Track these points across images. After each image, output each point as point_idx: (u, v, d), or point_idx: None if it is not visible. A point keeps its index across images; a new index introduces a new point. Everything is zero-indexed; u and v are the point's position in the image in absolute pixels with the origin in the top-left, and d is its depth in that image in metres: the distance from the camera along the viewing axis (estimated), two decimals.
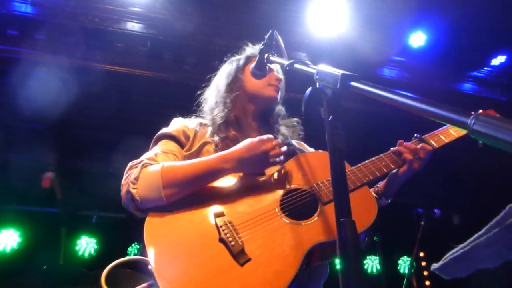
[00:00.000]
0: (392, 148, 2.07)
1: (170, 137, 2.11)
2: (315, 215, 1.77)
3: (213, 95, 2.34)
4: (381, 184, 2.12)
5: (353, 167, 1.96)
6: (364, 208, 1.79)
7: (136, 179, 1.78)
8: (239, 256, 1.61)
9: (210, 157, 1.84)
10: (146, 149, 2.15)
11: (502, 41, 5.91)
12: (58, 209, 7.38)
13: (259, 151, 1.82)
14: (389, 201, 2.10)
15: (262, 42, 1.96)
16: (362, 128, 5.67)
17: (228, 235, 1.67)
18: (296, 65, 1.58)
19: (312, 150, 2.36)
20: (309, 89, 1.31)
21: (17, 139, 6.29)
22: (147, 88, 5.92)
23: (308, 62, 1.53)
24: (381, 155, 2.04)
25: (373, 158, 2.02)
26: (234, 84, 2.28)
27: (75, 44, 5.35)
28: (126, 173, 1.86)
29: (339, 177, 1.12)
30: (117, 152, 5.58)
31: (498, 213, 0.84)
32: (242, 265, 1.59)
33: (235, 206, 1.81)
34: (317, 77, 1.32)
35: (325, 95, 1.25)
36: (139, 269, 1.76)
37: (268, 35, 1.94)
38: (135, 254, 7.31)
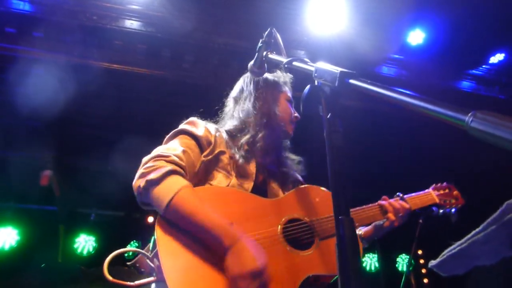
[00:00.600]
0: (379, 202, 2.28)
1: (194, 137, 2.07)
2: (312, 247, 1.88)
3: (245, 112, 2.27)
4: (364, 230, 2.33)
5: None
6: None
7: (155, 183, 1.77)
8: None
9: (220, 220, 1.73)
10: (144, 147, 2.14)
11: (500, 39, 5.91)
12: (57, 207, 7.38)
13: (251, 270, 1.59)
14: (366, 246, 2.35)
15: (260, 40, 1.96)
16: (360, 126, 5.67)
17: None
18: (294, 63, 1.58)
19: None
20: (308, 86, 1.32)
21: (15, 137, 6.28)
22: (146, 86, 5.91)
23: (306, 60, 1.53)
24: (370, 205, 2.24)
25: (363, 206, 2.21)
26: (268, 112, 2.24)
27: (73, 42, 5.34)
28: (148, 163, 1.85)
29: (337, 174, 1.12)
30: (116, 150, 5.59)
31: (496, 211, 0.84)
32: None
33: (245, 222, 1.84)
34: (315, 74, 1.32)
35: (324, 92, 1.26)
36: (136, 267, 1.79)
37: (266, 33, 1.94)
38: (133, 253, 7.30)
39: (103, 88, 5.45)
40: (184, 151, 1.96)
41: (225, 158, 2.08)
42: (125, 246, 7.40)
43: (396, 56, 6.18)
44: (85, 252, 7.43)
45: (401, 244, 8.63)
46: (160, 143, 2.17)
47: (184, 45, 5.63)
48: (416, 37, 5.80)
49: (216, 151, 2.09)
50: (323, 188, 2.17)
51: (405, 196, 2.39)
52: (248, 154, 2.14)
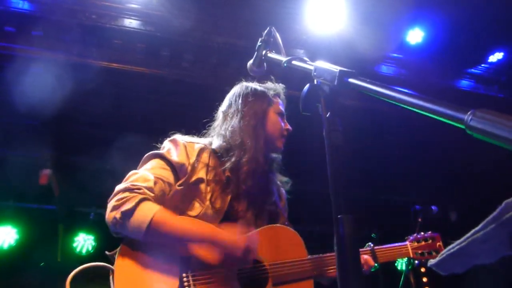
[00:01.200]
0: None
1: (169, 163, 2.05)
2: None
3: (228, 130, 2.20)
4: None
5: (309, 257, 2.14)
6: None
7: (128, 214, 1.82)
8: None
9: (195, 228, 1.90)
10: (143, 146, 2.14)
11: (499, 37, 5.92)
12: (56, 206, 7.37)
13: (236, 254, 1.88)
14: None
15: (260, 39, 1.96)
16: (359, 125, 5.68)
17: (186, 286, 1.83)
18: (294, 62, 1.58)
19: (284, 196, 2.47)
20: (307, 85, 1.31)
21: (15, 136, 6.28)
22: (145, 85, 5.91)
23: (306, 59, 1.53)
24: (327, 255, 2.19)
25: (326, 254, 2.18)
26: (260, 129, 2.18)
27: (72, 41, 5.33)
28: (119, 195, 1.88)
29: (336, 173, 1.12)
30: (115, 149, 5.58)
31: (495, 209, 0.84)
32: None
33: (202, 258, 1.87)
34: (314, 73, 1.32)
35: (323, 91, 1.26)
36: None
37: (266, 31, 1.94)
38: None
39: (102, 87, 5.45)
40: (155, 182, 1.95)
41: (202, 186, 2.05)
42: None
43: (395, 55, 6.18)
44: (84, 251, 7.42)
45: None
46: (159, 143, 2.18)
47: (183, 44, 5.62)
48: (415, 36, 5.80)
49: (193, 179, 2.05)
50: (291, 230, 2.19)
51: (376, 247, 2.38)
52: (227, 182, 2.09)
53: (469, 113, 0.74)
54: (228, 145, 2.14)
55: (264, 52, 1.93)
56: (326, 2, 5.20)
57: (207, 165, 2.09)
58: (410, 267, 5.16)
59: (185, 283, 1.82)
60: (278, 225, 2.20)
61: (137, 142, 3.70)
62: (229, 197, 2.08)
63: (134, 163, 2.09)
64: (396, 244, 2.54)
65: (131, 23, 5.35)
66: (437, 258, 0.93)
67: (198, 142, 2.18)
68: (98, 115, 5.97)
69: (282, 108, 2.31)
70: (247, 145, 2.11)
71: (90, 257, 7.36)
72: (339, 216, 1.05)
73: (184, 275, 1.84)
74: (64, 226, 7.45)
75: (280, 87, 2.38)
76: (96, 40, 5.43)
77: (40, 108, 5.18)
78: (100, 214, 7.69)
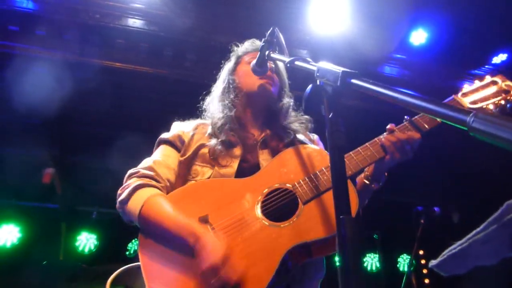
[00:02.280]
0: (381, 136, 1.97)
1: (167, 142, 2.18)
2: (295, 215, 1.77)
3: (213, 100, 2.35)
4: (368, 169, 2.02)
5: None
6: None
7: (124, 203, 1.89)
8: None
9: (183, 221, 1.76)
10: (146, 145, 2.17)
11: (503, 39, 5.90)
12: (58, 205, 7.39)
13: (212, 262, 1.61)
14: (380, 184, 2.01)
15: (263, 39, 1.96)
16: (361, 125, 5.67)
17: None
18: (297, 62, 1.59)
19: (315, 137, 2.38)
20: (310, 86, 1.32)
21: (18, 135, 6.30)
22: (148, 84, 5.92)
23: (309, 59, 1.53)
24: (366, 144, 1.95)
25: (358, 148, 1.94)
26: (229, 87, 2.28)
27: (76, 40, 5.35)
28: (125, 182, 1.98)
29: (339, 174, 1.12)
30: (118, 149, 5.59)
31: (497, 211, 0.84)
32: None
33: (219, 210, 1.83)
34: (317, 74, 1.32)
35: (326, 92, 1.26)
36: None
37: (269, 32, 1.94)
38: (135, 251, 7.33)
39: (105, 87, 5.46)
40: (155, 161, 2.05)
41: (205, 151, 2.08)
42: (126, 244, 7.43)
43: (399, 56, 6.17)
44: (86, 250, 7.44)
45: (402, 244, 8.63)
46: None
47: (186, 44, 5.64)
48: (419, 37, 5.79)
49: (194, 147, 2.10)
50: (307, 145, 2.06)
51: (416, 116, 1.96)
52: (231, 139, 2.11)
53: (471, 114, 0.74)
54: (217, 111, 2.23)
55: (267, 52, 1.93)
56: (329, 2, 5.19)
57: (209, 134, 2.16)
58: (412, 268, 5.15)
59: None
60: (291, 148, 2.03)
61: (140, 141, 3.72)
62: (238, 151, 2.09)
63: (137, 162, 2.11)
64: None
65: (134, 22, 5.36)
66: (439, 259, 0.93)
67: (196, 120, 2.33)
68: (101, 114, 5.98)
69: (252, 56, 2.27)
70: (230, 102, 2.21)
71: (92, 256, 7.38)
72: (341, 217, 1.05)
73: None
74: (66, 225, 7.47)
75: (250, 41, 2.44)
76: (99, 40, 5.44)
77: (43, 107, 5.19)
78: (102, 213, 7.71)
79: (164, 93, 5.98)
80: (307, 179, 1.86)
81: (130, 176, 1.99)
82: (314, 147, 2.06)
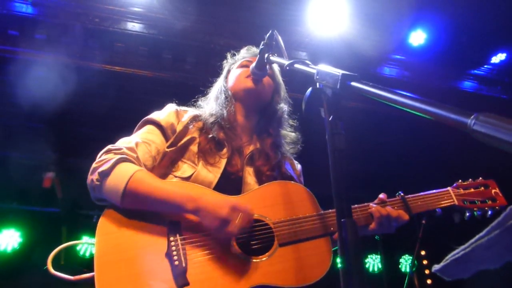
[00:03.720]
0: (372, 203, 2.00)
1: (158, 125, 2.09)
2: (267, 254, 1.74)
3: (208, 100, 2.35)
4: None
5: (322, 212, 1.91)
6: (317, 261, 1.78)
7: (106, 174, 1.76)
8: (179, 277, 1.60)
9: (178, 189, 1.76)
10: None
11: (502, 38, 5.90)
12: (59, 209, 7.38)
13: (221, 216, 1.65)
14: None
15: (262, 42, 1.96)
16: (361, 127, 5.67)
17: (175, 252, 1.66)
18: (296, 65, 1.58)
19: (299, 167, 2.36)
20: (310, 89, 1.32)
21: (18, 139, 6.30)
22: (147, 87, 5.92)
23: (308, 62, 1.53)
24: (356, 206, 1.96)
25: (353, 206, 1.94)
26: (221, 90, 2.28)
27: (75, 44, 5.35)
28: (100, 157, 1.86)
29: (339, 176, 1.12)
30: None
31: (499, 214, 0.84)
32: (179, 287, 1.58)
33: (193, 222, 1.75)
34: (317, 77, 1.32)
35: (325, 95, 1.26)
36: None
37: (268, 35, 1.94)
38: None
39: (105, 90, 5.46)
40: (138, 144, 1.95)
41: (193, 147, 2.02)
42: None
43: (398, 56, 6.18)
44: (87, 254, 7.43)
45: (404, 245, 8.61)
46: None
47: (185, 47, 5.64)
48: (418, 37, 5.79)
49: (185, 139, 2.03)
50: (301, 185, 2.03)
51: (409, 196, 2.01)
52: (220, 137, 2.07)
53: (472, 117, 0.74)
54: (211, 110, 2.21)
55: (266, 55, 1.93)
56: (328, 4, 5.19)
57: (200, 129, 2.11)
58: (414, 269, 5.14)
59: (173, 247, 1.66)
60: (284, 180, 2.01)
61: None
62: (225, 155, 2.04)
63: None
64: (434, 191, 2.09)
65: (133, 26, 5.36)
66: (442, 264, 0.92)
67: (193, 111, 2.26)
68: (100, 118, 5.98)
69: (245, 61, 2.32)
70: (222, 103, 2.20)
71: (93, 260, 7.36)
72: (342, 220, 1.04)
73: (171, 238, 1.68)
74: (67, 228, 7.46)
75: (247, 47, 2.43)
76: (99, 43, 5.44)
77: (44, 110, 5.20)
78: None
79: (164, 96, 5.95)
80: (287, 222, 1.83)
81: (109, 151, 1.87)
82: (298, 187, 2.01)
